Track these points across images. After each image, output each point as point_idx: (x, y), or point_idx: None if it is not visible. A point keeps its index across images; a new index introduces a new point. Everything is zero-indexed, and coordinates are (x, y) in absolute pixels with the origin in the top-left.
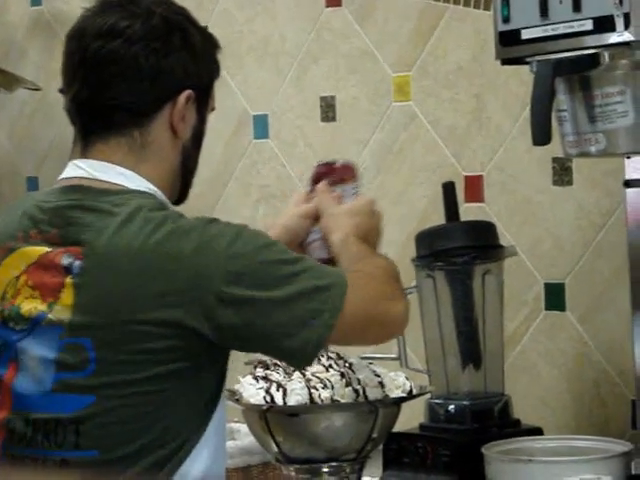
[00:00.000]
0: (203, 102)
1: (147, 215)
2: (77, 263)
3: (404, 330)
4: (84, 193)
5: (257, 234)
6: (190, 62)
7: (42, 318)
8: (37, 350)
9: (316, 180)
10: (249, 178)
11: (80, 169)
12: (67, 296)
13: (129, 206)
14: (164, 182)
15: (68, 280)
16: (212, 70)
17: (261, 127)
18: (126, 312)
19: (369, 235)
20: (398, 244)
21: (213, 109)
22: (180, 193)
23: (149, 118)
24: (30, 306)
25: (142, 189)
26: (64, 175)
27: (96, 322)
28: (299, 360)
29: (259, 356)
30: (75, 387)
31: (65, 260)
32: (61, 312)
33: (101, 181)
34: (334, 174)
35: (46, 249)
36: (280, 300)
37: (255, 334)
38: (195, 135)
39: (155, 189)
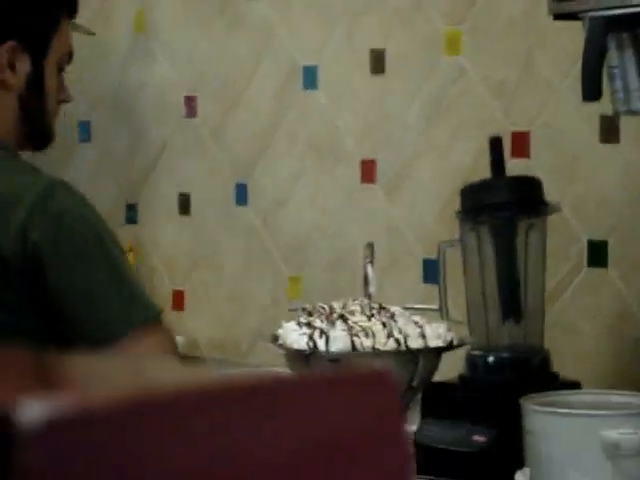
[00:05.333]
0: (40, 51)
1: None
2: None
3: None
4: None
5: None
6: (13, 13)
7: None
8: None
9: None
10: (297, 129)
11: None
12: None
13: None
14: (3, 133)
15: None
16: (44, 23)
17: (310, 78)
18: None
19: None
20: (443, 197)
21: (70, 55)
22: (32, 138)
23: None
24: None
25: None
26: None
27: None
28: None
29: (303, 304)
30: None
31: None
32: None
33: None
34: None
35: None
36: None
37: None
38: (33, 84)
39: None
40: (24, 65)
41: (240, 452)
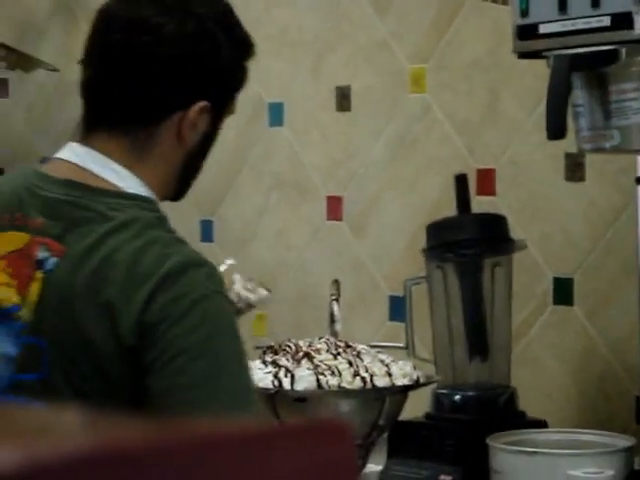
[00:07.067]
0: (220, 111)
1: (140, 230)
2: (53, 260)
3: None
4: (80, 190)
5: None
6: (212, 74)
7: (14, 310)
8: (1, 345)
9: None
10: (262, 166)
11: (76, 155)
12: (33, 291)
13: (125, 213)
14: (158, 184)
15: (38, 275)
16: (236, 83)
17: (276, 115)
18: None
19: None
20: (409, 234)
21: (232, 113)
22: (176, 193)
23: (158, 122)
24: (4, 295)
25: (138, 192)
26: (59, 155)
27: (56, 325)
28: None
29: (269, 341)
30: (26, 390)
31: (41, 253)
32: (26, 307)
33: (94, 175)
34: None
35: (28, 236)
36: None
37: None
38: (204, 142)
39: (147, 191)
40: (204, 124)
41: None
